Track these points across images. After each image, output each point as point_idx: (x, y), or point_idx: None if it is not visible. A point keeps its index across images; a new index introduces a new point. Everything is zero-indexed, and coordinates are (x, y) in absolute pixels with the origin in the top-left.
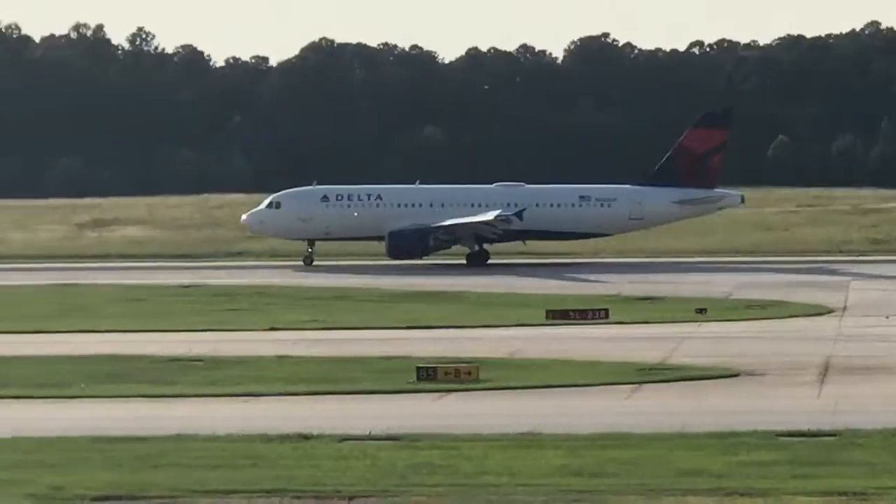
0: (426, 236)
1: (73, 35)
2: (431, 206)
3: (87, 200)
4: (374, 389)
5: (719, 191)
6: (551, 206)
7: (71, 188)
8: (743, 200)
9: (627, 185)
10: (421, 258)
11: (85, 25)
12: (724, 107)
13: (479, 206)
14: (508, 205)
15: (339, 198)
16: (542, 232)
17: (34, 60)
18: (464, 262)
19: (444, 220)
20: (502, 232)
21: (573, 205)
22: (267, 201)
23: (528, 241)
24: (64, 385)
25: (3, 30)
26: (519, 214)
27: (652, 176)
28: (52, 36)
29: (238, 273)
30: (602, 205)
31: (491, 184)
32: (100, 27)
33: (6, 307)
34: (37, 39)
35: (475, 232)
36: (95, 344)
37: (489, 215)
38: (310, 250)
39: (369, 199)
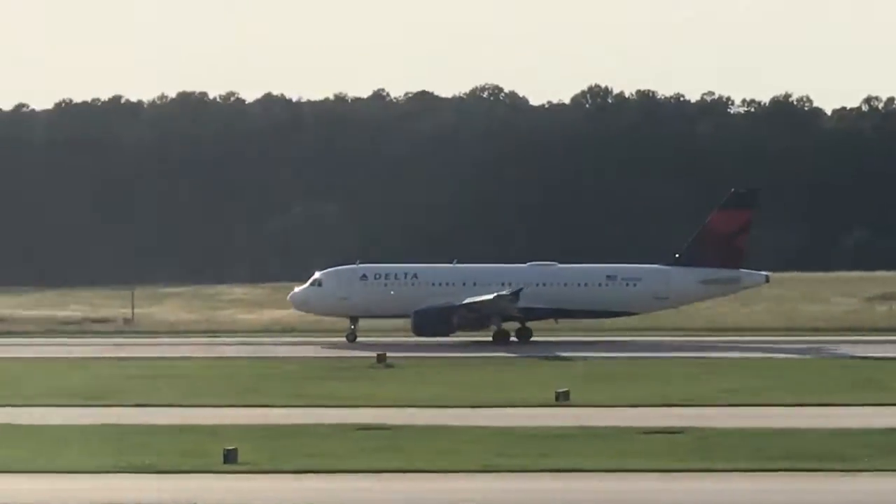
0: (450, 315)
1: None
2: (464, 285)
3: (878, 273)
4: None
5: (744, 271)
6: (579, 285)
7: (860, 261)
8: (767, 280)
9: (654, 265)
10: (448, 336)
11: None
12: (751, 188)
13: (508, 284)
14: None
15: (377, 276)
16: (570, 311)
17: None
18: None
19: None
20: (519, 311)
21: (600, 284)
22: (311, 279)
23: (559, 320)
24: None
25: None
26: (516, 294)
27: (679, 256)
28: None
29: None
30: (628, 284)
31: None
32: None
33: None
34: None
35: (501, 311)
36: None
37: (490, 295)
38: (352, 327)
39: (406, 277)
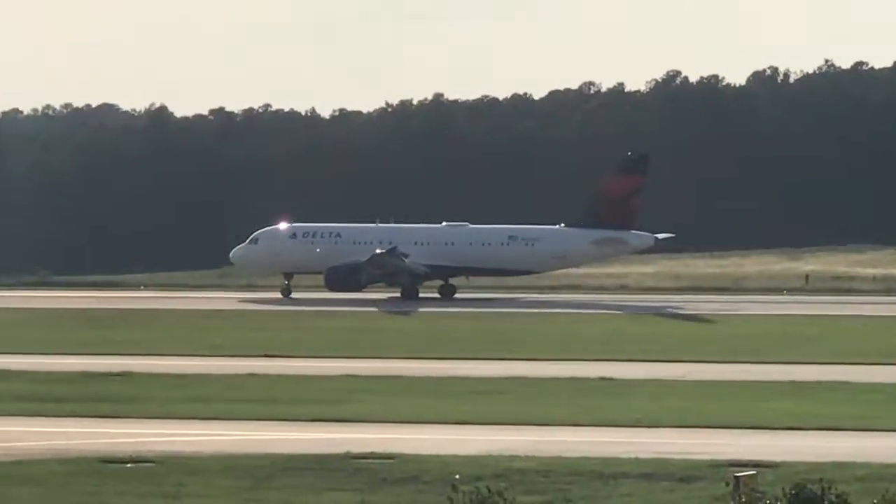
0: (358, 271)
1: None
2: (381, 243)
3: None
4: None
5: (633, 233)
6: (483, 244)
7: None
8: (655, 242)
9: (552, 226)
10: (360, 291)
11: None
12: (642, 154)
13: (420, 244)
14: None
15: (305, 235)
16: (475, 269)
17: None
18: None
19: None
20: (427, 269)
21: (502, 243)
22: (249, 238)
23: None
24: None
25: None
26: (391, 251)
27: (578, 218)
28: None
29: None
30: (527, 244)
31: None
32: None
33: None
34: None
35: (408, 269)
36: None
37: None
38: (286, 283)
39: (330, 236)
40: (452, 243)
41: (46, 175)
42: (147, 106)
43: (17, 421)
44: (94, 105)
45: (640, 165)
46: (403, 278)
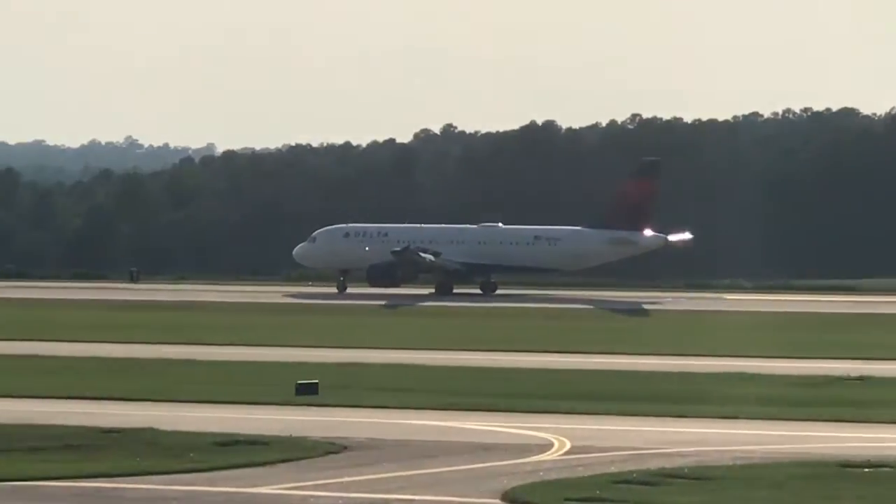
0: (395, 269)
1: None
2: (422, 242)
3: None
4: None
5: (646, 233)
6: (511, 244)
7: None
8: (667, 242)
9: (573, 227)
10: (397, 286)
11: None
12: (655, 158)
13: (454, 243)
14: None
15: (357, 234)
16: (504, 267)
17: None
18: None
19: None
20: (461, 266)
21: (528, 243)
22: (309, 237)
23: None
24: None
25: None
26: (404, 249)
27: (596, 220)
28: None
29: None
30: (550, 243)
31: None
32: None
33: None
34: None
35: (441, 266)
36: None
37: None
38: (341, 279)
39: (378, 235)
40: (484, 242)
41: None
42: (887, 110)
43: (756, 424)
44: (833, 109)
45: (653, 169)
46: (437, 275)
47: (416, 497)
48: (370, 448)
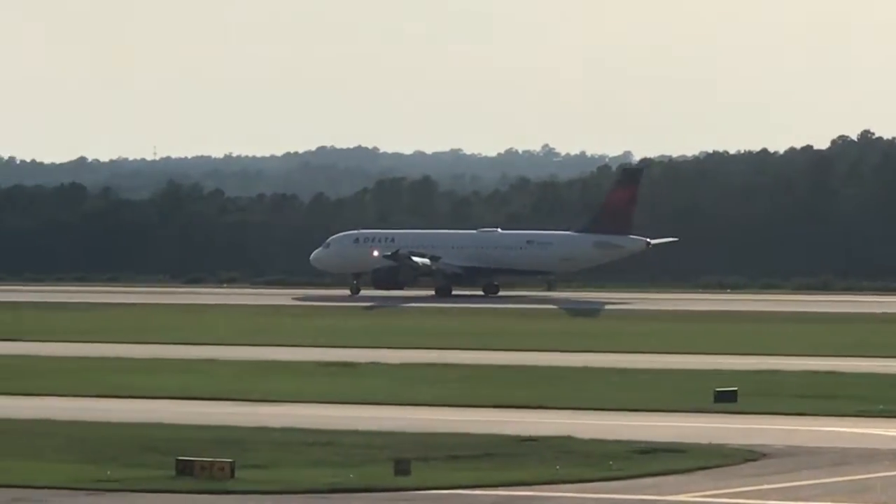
0: (397, 272)
1: None
2: (424, 247)
3: None
4: None
5: (629, 237)
6: (506, 248)
7: None
8: (648, 245)
9: (563, 232)
10: (400, 288)
11: None
12: (637, 165)
13: (455, 248)
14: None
15: (367, 240)
16: (499, 270)
17: None
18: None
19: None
20: (461, 269)
21: (521, 247)
22: (324, 243)
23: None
24: None
25: None
26: (394, 253)
27: (583, 224)
28: None
29: None
30: (542, 247)
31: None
32: None
33: None
34: None
35: (441, 269)
36: None
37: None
38: (354, 282)
39: (385, 241)
40: (481, 247)
41: None
42: None
43: None
44: None
45: (635, 176)
46: (437, 278)
47: None
48: (788, 455)
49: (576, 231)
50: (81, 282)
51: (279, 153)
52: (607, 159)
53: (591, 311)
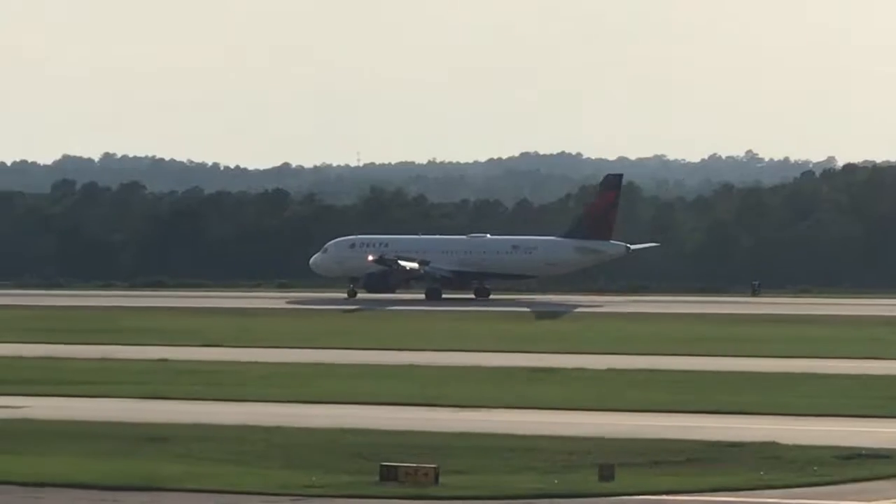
0: (388, 277)
1: None
2: (416, 252)
3: None
4: None
5: (610, 242)
6: (494, 253)
7: None
8: (628, 251)
9: (547, 237)
10: (392, 292)
11: None
12: (617, 174)
13: (445, 253)
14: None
15: (362, 245)
16: (486, 274)
17: None
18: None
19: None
20: (450, 274)
21: (507, 252)
22: (322, 248)
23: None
24: None
25: None
26: (380, 258)
27: (566, 230)
28: None
29: None
30: (527, 252)
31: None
32: None
33: None
34: None
35: (430, 273)
36: None
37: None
38: (351, 286)
39: (379, 246)
40: (470, 252)
41: None
42: None
43: None
44: None
45: (615, 183)
46: (427, 282)
47: None
48: None
49: (559, 237)
50: (283, 289)
51: (482, 159)
52: (811, 165)
53: (791, 317)
